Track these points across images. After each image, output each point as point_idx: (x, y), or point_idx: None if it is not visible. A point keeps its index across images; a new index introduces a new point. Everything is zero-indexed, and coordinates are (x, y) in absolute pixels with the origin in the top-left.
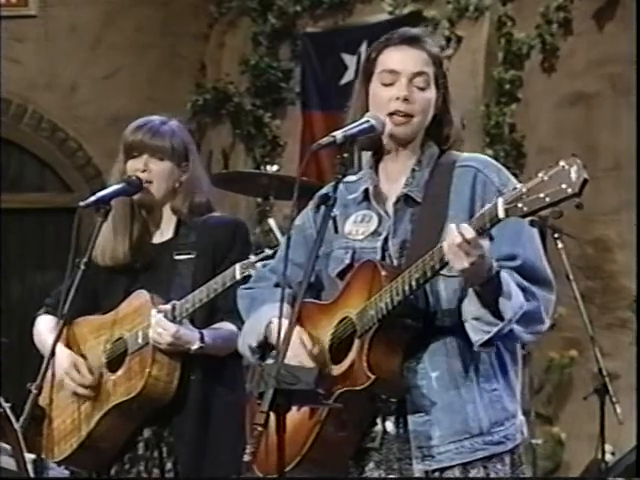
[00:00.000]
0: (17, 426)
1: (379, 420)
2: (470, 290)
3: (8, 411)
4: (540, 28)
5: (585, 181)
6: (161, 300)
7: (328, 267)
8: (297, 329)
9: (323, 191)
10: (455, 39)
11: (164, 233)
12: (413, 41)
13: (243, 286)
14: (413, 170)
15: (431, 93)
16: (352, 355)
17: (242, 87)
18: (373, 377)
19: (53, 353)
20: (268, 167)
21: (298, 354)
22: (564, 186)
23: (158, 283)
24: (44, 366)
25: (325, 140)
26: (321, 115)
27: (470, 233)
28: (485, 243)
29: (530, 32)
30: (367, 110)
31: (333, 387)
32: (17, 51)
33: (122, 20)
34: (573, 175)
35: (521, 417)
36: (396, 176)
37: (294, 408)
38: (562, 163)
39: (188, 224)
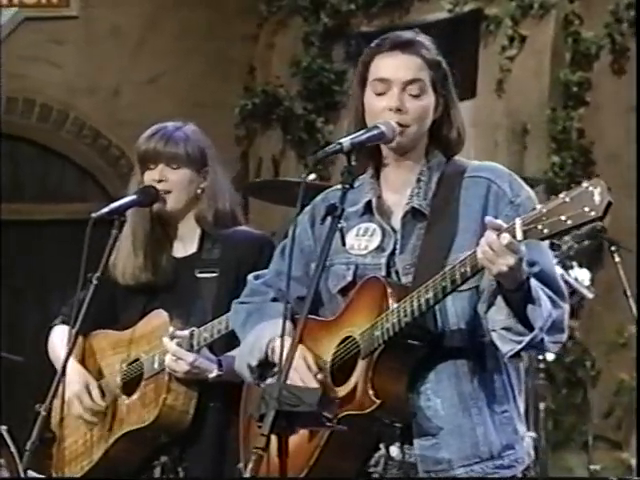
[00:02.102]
0: (13, 449)
1: (382, 445)
2: (499, 298)
3: (5, 434)
4: (609, 27)
5: (609, 204)
6: (180, 322)
7: (328, 281)
8: (302, 350)
9: (320, 197)
10: (519, 39)
11: (187, 247)
12: (406, 46)
13: (237, 300)
14: (419, 180)
15: (427, 100)
16: (356, 377)
17: (293, 90)
18: (378, 402)
19: (64, 372)
20: (303, 175)
21: (303, 378)
22: (587, 209)
23: (178, 302)
24: (54, 385)
25: (331, 147)
26: None
27: (507, 239)
28: (522, 247)
29: (599, 31)
30: (363, 119)
31: (337, 409)
32: (57, 54)
33: (167, 21)
34: (597, 197)
35: (528, 439)
36: (400, 187)
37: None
38: (585, 184)
39: (213, 236)
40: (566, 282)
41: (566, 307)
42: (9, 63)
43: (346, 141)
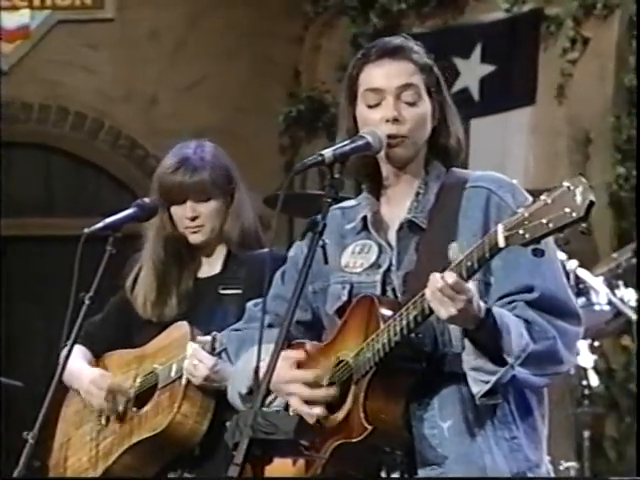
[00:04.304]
0: None
1: (383, 474)
2: (465, 338)
3: None
4: None
5: (591, 203)
6: (201, 334)
7: (326, 304)
8: (290, 369)
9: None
10: (581, 40)
11: (213, 266)
12: (394, 52)
13: (232, 327)
14: (417, 194)
15: (424, 106)
16: (349, 403)
17: (340, 96)
18: (370, 428)
19: (55, 395)
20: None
21: (288, 378)
22: (568, 210)
23: (200, 321)
24: (44, 407)
25: (311, 159)
26: None
27: (452, 278)
28: (472, 285)
29: None
30: (357, 133)
31: (329, 439)
32: (91, 59)
33: (207, 23)
34: (578, 197)
35: (549, 465)
36: (399, 201)
37: (289, 461)
38: (567, 184)
39: (239, 258)
40: (611, 303)
41: (574, 329)
42: (41, 68)
43: (328, 152)
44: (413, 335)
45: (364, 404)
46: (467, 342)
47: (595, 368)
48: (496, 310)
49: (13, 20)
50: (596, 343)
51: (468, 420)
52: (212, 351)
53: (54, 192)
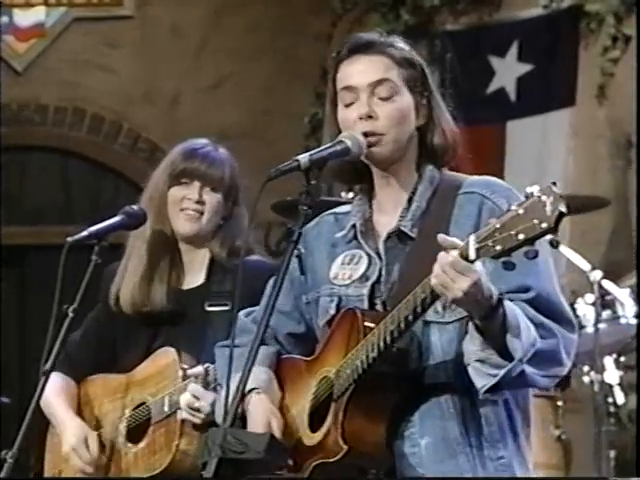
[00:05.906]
0: None
1: None
2: (471, 326)
3: None
4: None
5: (561, 214)
6: (190, 358)
7: (318, 317)
8: (267, 402)
9: (313, 223)
10: (622, 38)
11: (195, 277)
12: (367, 48)
13: (222, 343)
14: (409, 200)
15: (401, 101)
16: (328, 422)
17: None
18: (345, 448)
19: (34, 416)
20: (343, 194)
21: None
22: (536, 221)
23: (187, 338)
24: (22, 430)
25: (286, 165)
26: (464, 129)
27: (453, 257)
28: (479, 267)
29: None
30: None
31: (309, 458)
32: (110, 58)
33: (231, 20)
34: (548, 208)
35: None
36: (390, 208)
37: None
38: (537, 194)
39: (224, 266)
40: (638, 316)
41: (569, 336)
42: (57, 69)
43: (304, 157)
44: (395, 351)
45: (342, 423)
46: (474, 332)
47: (621, 384)
48: (507, 302)
49: (27, 18)
50: (622, 358)
51: (449, 438)
52: (206, 385)
53: (71, 197)
